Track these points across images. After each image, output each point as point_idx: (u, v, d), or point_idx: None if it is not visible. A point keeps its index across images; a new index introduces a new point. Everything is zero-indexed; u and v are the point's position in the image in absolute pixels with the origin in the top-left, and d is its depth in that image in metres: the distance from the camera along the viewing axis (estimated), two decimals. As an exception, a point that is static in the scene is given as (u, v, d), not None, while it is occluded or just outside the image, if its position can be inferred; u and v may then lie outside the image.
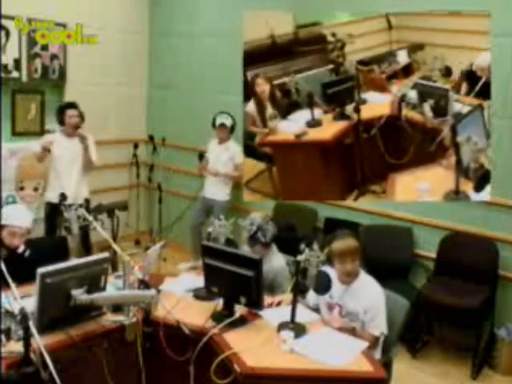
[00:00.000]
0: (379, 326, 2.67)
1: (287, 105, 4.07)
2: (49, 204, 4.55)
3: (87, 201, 4.53)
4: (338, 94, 3.74)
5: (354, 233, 2.90)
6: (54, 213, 4.40)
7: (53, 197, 4.41)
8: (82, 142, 4.46)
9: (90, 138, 4.54)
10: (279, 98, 4.00)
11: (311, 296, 2.94)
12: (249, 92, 4.44)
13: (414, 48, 4.65)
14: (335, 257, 2.74)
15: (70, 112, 4.48)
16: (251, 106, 3.95)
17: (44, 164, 4.65)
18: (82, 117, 4.51)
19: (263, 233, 3.19)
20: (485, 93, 3.61)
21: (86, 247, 4.51)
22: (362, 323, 2.70)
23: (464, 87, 3.75)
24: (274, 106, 3.93)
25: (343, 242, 2.76)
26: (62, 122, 4.52)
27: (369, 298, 2.71)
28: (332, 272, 2.77)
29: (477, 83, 3.67)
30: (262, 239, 3.19)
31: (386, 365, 2.64)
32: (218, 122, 5.07)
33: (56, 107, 4.69)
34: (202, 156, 5.17)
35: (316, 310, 2.91)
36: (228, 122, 5.07)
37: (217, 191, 5.15)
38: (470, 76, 3.80)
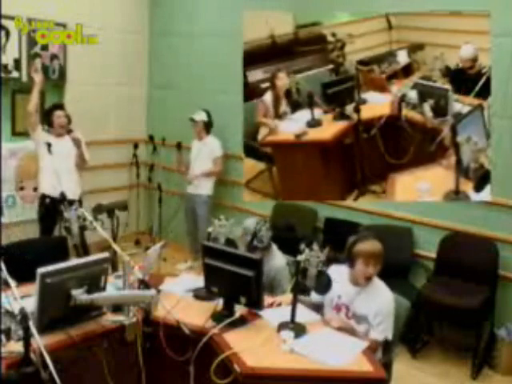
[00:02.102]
0: (384, 331, 2.64)
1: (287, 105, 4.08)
2: (44, 197, 4.46)
3: (80, 201, 4.50)
4: (338, 94, 3.75)
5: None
6: (49, 208, 4.37)
7: (47, 187, 4.38)
8: (76, 145, 4.47)
9: (82, 139, 4.56)
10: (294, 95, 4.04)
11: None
12: (249, 92, 4.45)
13: (414, 48, 4.65)
14: (359, 258, 2.66)
15: (58, 113, 4.51)
16: (268, 97, 3.99)
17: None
18: (68, 118, 4.54)
19: (259, 239, 3.15)
20: (471, 89, 3.62)
21: (84, 247, 4.49)
22: (368, 326, 2.68)
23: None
24: (289, 103, 3.98)
25: (371, 245, 2.68)
26: (50, 123, 4.53)
27: (381, 303, 2.67)
28: (344, 271, 2.76)
29: (460, 82, 3.69)
30: (260, 245, 3.15)
31: (386, 365, 2.63)
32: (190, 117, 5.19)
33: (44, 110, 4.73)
34: (179, 146, 5.37)
35: (318, 306, 2.87)
36: (199, 117, 5.15)
37: (199, 186, 5.22)
38: (455, 75, 3.82)
